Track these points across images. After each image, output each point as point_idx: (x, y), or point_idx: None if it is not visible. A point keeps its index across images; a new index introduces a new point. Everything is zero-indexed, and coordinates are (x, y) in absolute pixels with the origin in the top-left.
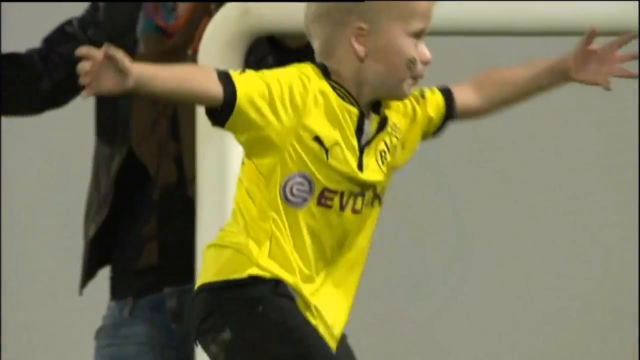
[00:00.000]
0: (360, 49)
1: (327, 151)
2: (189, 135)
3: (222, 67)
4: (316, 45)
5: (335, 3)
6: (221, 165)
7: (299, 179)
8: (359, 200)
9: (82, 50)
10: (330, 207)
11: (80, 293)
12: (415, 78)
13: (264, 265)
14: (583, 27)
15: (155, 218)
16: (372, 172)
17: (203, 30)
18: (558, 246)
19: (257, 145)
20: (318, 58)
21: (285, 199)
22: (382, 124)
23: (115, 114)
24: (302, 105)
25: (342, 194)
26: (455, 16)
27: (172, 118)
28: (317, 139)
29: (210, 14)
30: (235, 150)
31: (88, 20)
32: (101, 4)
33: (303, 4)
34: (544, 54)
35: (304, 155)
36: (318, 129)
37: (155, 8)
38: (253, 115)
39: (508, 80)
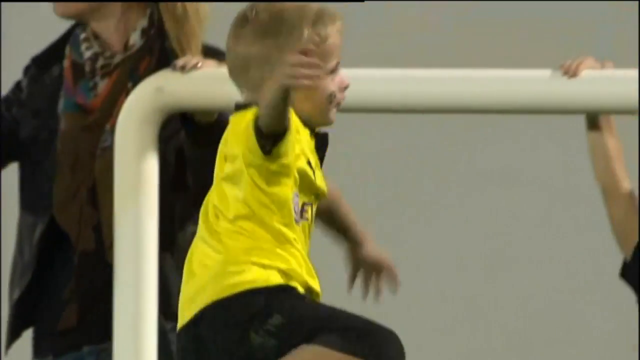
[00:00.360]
0: None
1: (313, 172)
2: (108, 204)
3: (138, 142)
4: (244, 95)
5: (254, 58)
6: (137, 232)
7: (296, 199)
8: (314, 210)
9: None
10: (307, 219)
11: (6, 353)
12: (338, 104)
13: (310, 282)
14: (587, 105)
15: (75, 282)
16: (322, 183)
17: (120, 106)
18: (555, 246)
19: (279, 173)
20: (249, 101)
21: (294, 218)
22: (322, 140)
23: (39, 185)
24: (297, 134)
25: (311, 205)
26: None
27: (92, 188)
28: (309, 162)
29: (127, 92)
30: (150, 218)
31: (12, 99)
32: (24, 85)
33: (212, 85)
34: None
35: (301, 178)
36: (307, 153)
37: (75, 87)
38: (291, 142)
39: (336, 223)
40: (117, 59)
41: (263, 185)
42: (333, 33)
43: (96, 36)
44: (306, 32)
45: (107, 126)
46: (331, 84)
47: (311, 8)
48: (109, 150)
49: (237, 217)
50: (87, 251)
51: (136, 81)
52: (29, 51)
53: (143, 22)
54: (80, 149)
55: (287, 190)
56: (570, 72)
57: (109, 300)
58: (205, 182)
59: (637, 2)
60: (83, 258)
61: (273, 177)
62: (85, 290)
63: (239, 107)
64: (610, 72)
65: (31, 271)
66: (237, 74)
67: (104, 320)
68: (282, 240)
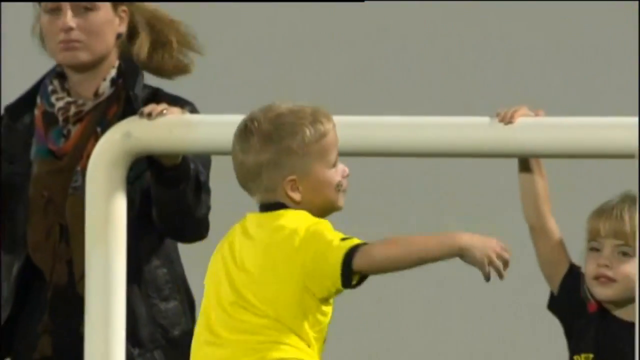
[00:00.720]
0: (296, 196)
1: None
2: (79, 239)
3: (107, 184)
4: (257, 197)
5: (265, 164)
6: (107, 266)
7: None
8: None
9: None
10: None
11: None
12: (344, 191)
13: None
14: (521, 150)
15: (49, 314)
16: None
17: (91, 149)
18: None
19: (334, 295)
20: (263, 202)
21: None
22: None
23: (14, 227)
24: None
25: None
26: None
27: (64, 227)
28: None
29: (96, 136)
30: (119, 253)
31: None
32: None
33: (177, 130)
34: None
35: None
36: None
37: (46, 134)
38: None
39: None
40: (88, 106)
41: (324, 302)
42: (330, 129)
43: (63, 87)
44: (308, 132)
45: (78, 167)
46: (336, 175)
47: (305, 110)
48: (80, 190)
49: (273, 318)
50: (60, 285)
51: (105, 126)
52: (29, 51)
53: (112, 73)
54: (53, 191)
55: (331, 309)
56: (506, 119)
57: (81, 330)
58: (167, 220)
59: (637, 2)
60: (56, 292)
61: (330, 298)
62: (58, 322)
63: (266, 207)
64: (543, 119)
65: (10, 306)
66: (249, 181)
67: (76, 350)
68: (310, 344)
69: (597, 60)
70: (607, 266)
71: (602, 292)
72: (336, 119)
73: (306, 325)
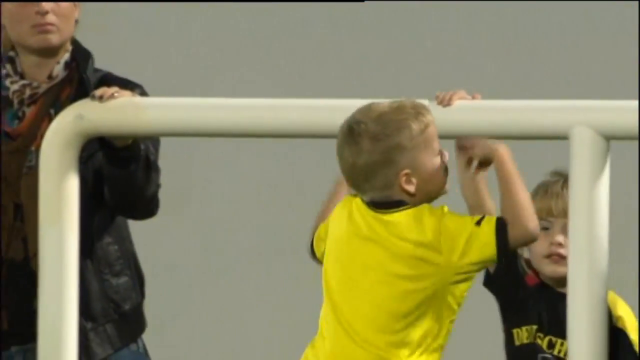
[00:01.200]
0: (411, 188)
1: None
2: (33, 217)
3: (60, 165)
4: (370, 195)
5: (378, 163)
6: (60, 243)
7: None
8: None
9: None
10: None
11: None
12: (448, 175)
13: None
14: (459, 131)
15: (4, 289)
16: None
17: (45, 130)
18: None
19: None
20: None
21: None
22: None
23: None
24: None
25: None
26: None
27: (19, 205)
28: None
29: (50, 117)
30: (72, 231)
31: None
32: None
33: (127, 113)
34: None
35: None
36: None
37: (1, 116)
38: None
39: None
40: (43, 88)
41: (457, 293)
42: (431, 119)
43: (15, 71)
44: (413, 125)
45: (32, 147)
46: (443, 162)
47: (406, 104)
48: (34, 169)
49: (412, 314)
50: (16, 261)
51: (58, 108)
52: None
53: (66, 56)
54: (8, 171)
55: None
56: (445, 102)
57: (34, 304)
58: (119, 198)
59: (637, 2)
60: (10, 267)
61: (470, 281)
62: (12, 296)
63: (382, 205)
64: (480, 102)
65: None
66: (362, 182)
67: (30, 323)
68: (443, 335)
69: (597, 60)
70: (560, 244)
71: (556, 269)
72: (272, 102)
73: (445, 319)
